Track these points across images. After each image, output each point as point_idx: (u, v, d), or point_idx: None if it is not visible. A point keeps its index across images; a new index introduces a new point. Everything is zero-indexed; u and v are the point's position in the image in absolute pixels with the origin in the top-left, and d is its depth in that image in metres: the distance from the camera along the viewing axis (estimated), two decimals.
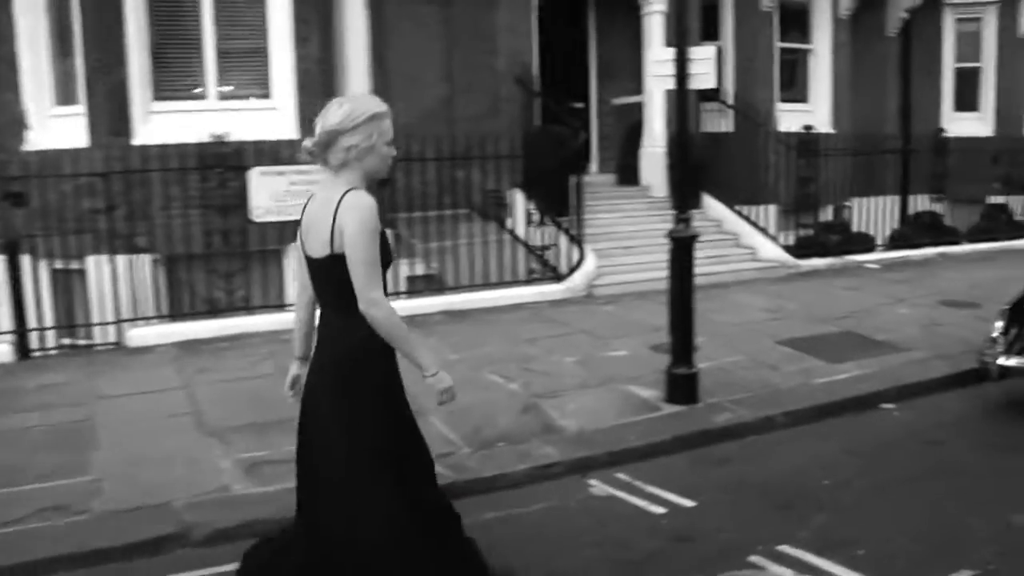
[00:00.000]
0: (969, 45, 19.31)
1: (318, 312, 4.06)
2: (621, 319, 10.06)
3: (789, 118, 15.21)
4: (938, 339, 9.41)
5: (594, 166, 15.40)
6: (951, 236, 15.89)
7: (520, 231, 11.92)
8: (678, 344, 7.13)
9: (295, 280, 4.53)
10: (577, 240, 11.58)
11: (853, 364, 8.46)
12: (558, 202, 11.59)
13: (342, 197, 3.69)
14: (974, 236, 16.25)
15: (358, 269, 3.65)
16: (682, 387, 7.18)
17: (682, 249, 7.11)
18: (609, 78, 15.62)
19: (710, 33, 15.47)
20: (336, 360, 3.85)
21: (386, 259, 3.78)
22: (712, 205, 13.85)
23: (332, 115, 3.74)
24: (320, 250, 3.76)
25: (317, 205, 3.82)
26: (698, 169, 12.25)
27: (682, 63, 6.80)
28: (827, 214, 15.33)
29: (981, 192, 17.60)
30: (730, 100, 15.03)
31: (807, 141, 14.05)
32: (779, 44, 15.97)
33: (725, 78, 15.49)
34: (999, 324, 7.55)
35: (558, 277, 11.37)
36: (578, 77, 15.39)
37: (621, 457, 6.42)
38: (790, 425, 7.18)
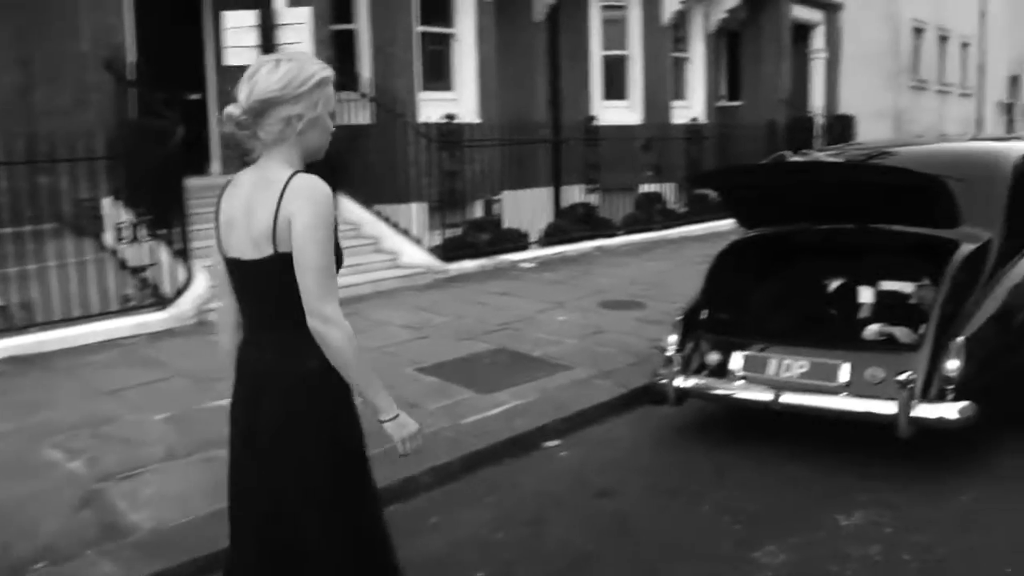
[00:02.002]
0: (616, 33, 19.00)
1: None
2: None
3: (434, 108, 13.88)
4: (602, 351, 8.33)
5: (216, 166, 13.40)
6: (607, 228, 15.18)
7: (120, 248, 9.84)
8: None
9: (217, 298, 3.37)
10: (184, 256, 9.65)
11: (509, 393, 7.16)
12: (167, 210, 9.67)
13: (289, 180, 2.93)
14: (630, 227, 15.66)
15: (310, 276, 2.89)
16: None
17: None
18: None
19: (343, 15, 13.98)
20: (284, 397, 3.07)
21: (338, 263, 3.03)
22: (349, 206, 12.23)
23: (267, 78, 2.97)
24: (254, 249, 2.98)
25: (245, 191, 3.03)
26: (332, 166, 10.66)
27: (268, 30, 5.19)
28: (478, 210, 14.20)
29: (634, 181, 17.13)
30: (368, 89, 13.51)
31: (450, 132, 12.80)
32: (420, 28, 14.64)
33: (362, 65, 14.03)
34: (673, 339, 6.46)
35: (162, 303, 9.35)
36: (196, 63, 13.36)
37: (213, 563, 4.70)
38: (437, 485, 5.73)
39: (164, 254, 9.61)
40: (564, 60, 17.78)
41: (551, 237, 14.13)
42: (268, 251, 2.95)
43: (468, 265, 12.25)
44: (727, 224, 13.81)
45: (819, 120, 23.38)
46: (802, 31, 25.03)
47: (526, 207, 14.26)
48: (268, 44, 5.25)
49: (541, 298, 10.61)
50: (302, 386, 3.06)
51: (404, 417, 3.11)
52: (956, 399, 5.49)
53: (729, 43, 23.66)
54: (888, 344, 6.13)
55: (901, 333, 6.14)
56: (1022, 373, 6.27)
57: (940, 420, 5.48)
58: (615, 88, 18.83)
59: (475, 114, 15.05)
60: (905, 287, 6.67)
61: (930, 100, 33.33)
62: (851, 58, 27.23)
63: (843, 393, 5.74)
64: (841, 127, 23.42)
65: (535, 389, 7.28)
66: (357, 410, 3.18)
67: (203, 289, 9.53)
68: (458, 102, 14.93)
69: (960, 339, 5.58)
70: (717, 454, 6.21)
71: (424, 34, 14.87)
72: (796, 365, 5.95)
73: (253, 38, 5.29)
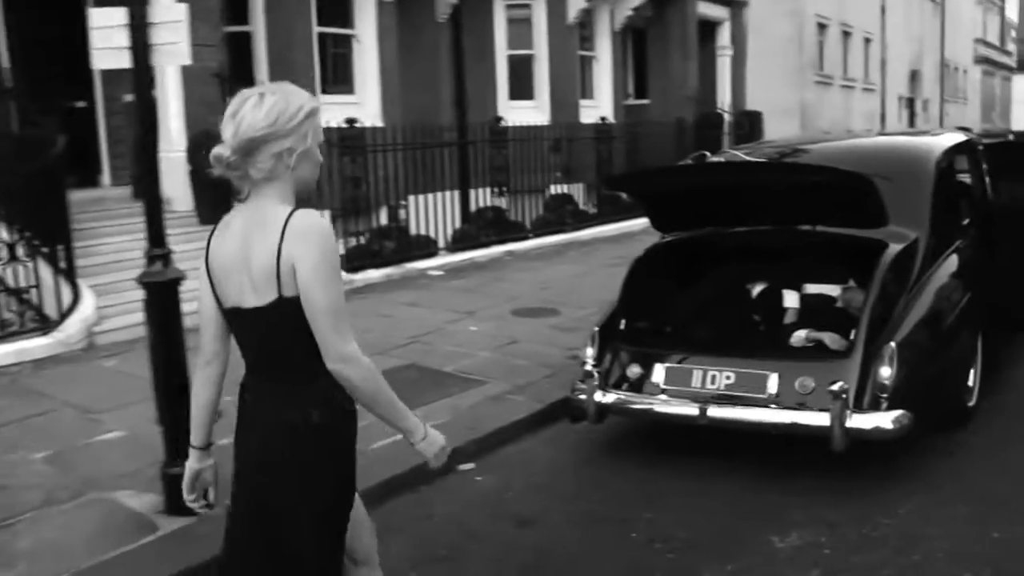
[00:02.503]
0: (521, 32, 18.57)
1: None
2: (127, 378, 7.47)
3: (335, 112, 13.29)
4: (516, 362, 7.97)
5: (106, 178, 12.72)
6: (517, 231, 14.84)
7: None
8: (171, 432, 4.99)
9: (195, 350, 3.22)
10: (70, 275, 9.01)
11: (420, 413, 6.66)
12: (50, 227, 9.04)
13: (288, 219, 2.78)
14: (541, 229, 15.35)
15: (323, 318, 2.77)
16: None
17: (160, 298, 4.95)
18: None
19: (238, 16, 13.38)
20: (283, 449, 2.93)
21: None
22: None
23: (253, 115, 2.79)
24: (255, 296, 2.83)
25: (238, 233, 2.87)
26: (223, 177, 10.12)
27: (140, 29, 4.70)
28: (384, 218, 13.72)
29: (544, 182, 16.79)
30: None
31: (351, 137, 12.29)
32: (319, 30, 14.10)
33: (259, 69, 13.46)
34: (590, 352, 6.10)
35: (45, 327, 8.66)
36: (82, 69, 12.62)
37: None
38: None
39: (47, 274, 8.93)
40: (469, 60, 17.32)
41: (460, 243, 13.72)
42: (271, 296, 2.81)
43: (374, 275, 11.78)
44: (639, 224, 13.63)
45: (727, 117, 23.32)
46: (708, 28, 24.97)
47: (433, 212, 13.81)
48: (141, 45, 4.74)
49: (451, 308, 10.21)
50: (302, 439, 2.92)
51: (432, 433, 3.05)
52: (890, 407, 5.24)
53: (635, 41, 23.51)
54: (817, 351, 5.85)
55: (830, 339, 5.86)
56: (949, 376, 6.06)
57: (876, 430, 5.22)
58: (522, 88, 18.44)
59: (378, 118, 14.54)
60: (831, 290, 6.41)
61: (835, 95, 33.65)
62: (757, 54, 27.28)
63: (773, 405, 5.43)
64: (749, 124, 23.38)
65: (448, 408, 6.88)
66: (355, 459, 3.09)
67: (91, 311, 8.90)
68: (361, 106, 14.43)
69: (892, 344, 5.32)
70: (643, 473, 5.87)
71: (323, 36, 14.34)
72: (722, 376, 5.62)
73: (124, 38, 4.77)
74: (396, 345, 8.61)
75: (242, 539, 3.08)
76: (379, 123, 14.26)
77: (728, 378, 5.59)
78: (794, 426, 5.38)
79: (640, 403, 5.85)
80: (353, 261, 11.82)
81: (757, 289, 6.65)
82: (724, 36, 25.82)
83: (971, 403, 6.39)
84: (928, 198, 6.22)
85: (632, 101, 23.00)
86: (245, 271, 2.85)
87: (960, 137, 7.48)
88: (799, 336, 5.98)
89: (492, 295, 10.91)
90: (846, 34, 34.99)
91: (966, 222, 6.98)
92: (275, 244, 2.77)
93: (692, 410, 5.59)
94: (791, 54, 30.02)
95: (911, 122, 42.62)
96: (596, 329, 6.23)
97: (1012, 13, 71.95)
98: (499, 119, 15.74)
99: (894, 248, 5.73)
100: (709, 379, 5.64)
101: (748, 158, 6.97)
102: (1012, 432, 6.36)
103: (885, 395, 5.24)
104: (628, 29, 21.97)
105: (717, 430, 5.72)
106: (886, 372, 5.25)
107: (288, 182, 2.89)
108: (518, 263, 13.27)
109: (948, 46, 49.47)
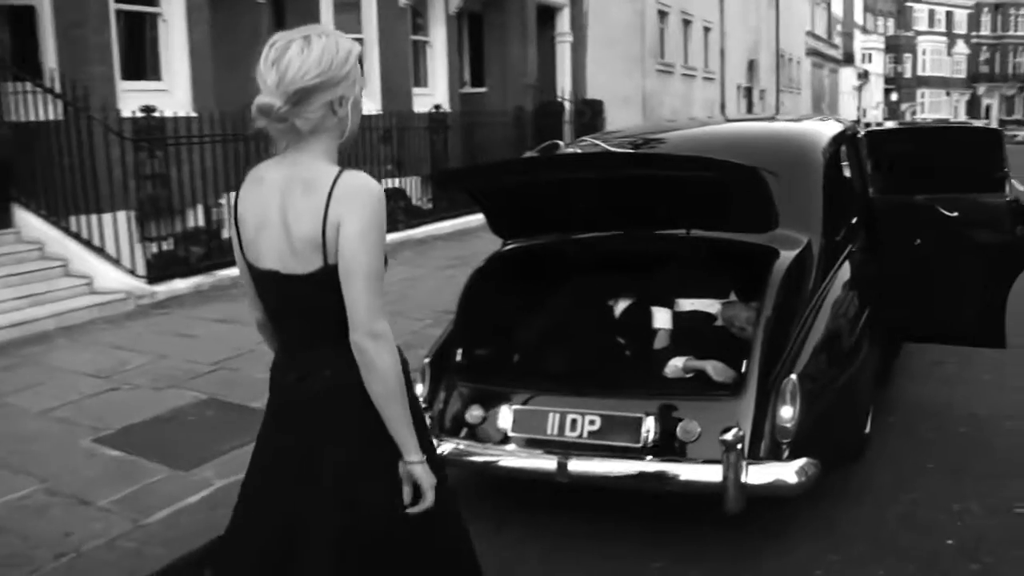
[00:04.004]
0: (349, 16, 17.21)
1: None
2: None
3: (140, 100, 11.79)
4: None
5: None
6: None
7: None
8: None
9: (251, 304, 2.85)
10: None
11: (216, 467, 5.50)
12: None
13: (336, 180, 2.53)
14: None
15: (360, 285, 2.52)
16: None
17: None
18: None
19: None
20: (341, 423, 2.68)
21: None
22: (30, 222, 10.12)
23: (303, 61, 2.53)
24: (296, 262, 2.58)
25: (276, 190, 2.62)
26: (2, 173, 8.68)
27: None
28: (200, 218, 12.20)
29: (375, 175, 15.42)
30: (54, 79, 11.29)
31: (150, 128, 10.80)
32: (117, 6, 12.42)
33: (46, 50, 11.76)
34: (420, 389, 4.91)
35: None
36: None
37: None
38: None
39: None
40: None
41: None
42: (317, 264, 2.58)
43: (180, 285, 10.38)
44: (479, 219, 12.50)
45: (568, 105, 22.55)
46: (548, 13, 24.09)
47: None
48: None
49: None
50: (339, 401, 2.68)
51: (425, 464, 2.69)
52: (793, 455, 4.23)
53: (472, 26, 22.46)
54: (700, 385, 4.77)
55: (713, 368, 4.79)
56: (853, 408, 5.12)
57: (778, 485, 4.19)
58: None
59: (189, 106, 13.03)
60: (709, 306, 5.37)
61: (676, 84, 33.26)
62: (598, 41, 26.57)
63: (649, 456, 4.35)
64: (591, 112, 22.69)
65: (246, 458, 5.59)
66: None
67: None
68: (169, 93, 12.87)
69: (793, 377, 4.31)
70: (492, 539, 4.70)
71: (123, 14, 12.70)
72: (584, 421, 4.51)
73: None
74: (197, 374, 7.32)
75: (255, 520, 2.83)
76: (191, 112, 12.75)
77: (592, 423, 4.49)
78: (676, 482, 4.31)
79: (483, 454, 4.69)
80: (156, 270, 10.39)
81: (621, 306, 5.55)
82: (564, 22, 24.99)
83: (867, 430, 5.48)
84: (819, 194, 5.26)
85: (469, 89, 21.97)
86: (283, 233, 2.61)
87: (839, 124, 6.56)
88: (675, 366, 4.91)
89: None
90: (686, 22, 34.65)
91: (854, 221, 6.06)
92: (321, 207, 2.54)
93: (548, 464, 4.45)
94: (632, 41, 29.39)
95: (749, 111, 42.86)
96: (426, 361, 5.07)
97: (838, 9, 73.79)
98: None
99: (786, 256, 4.74)
100: (569, 424, 4.53)
101: (609, 148, 5.78)
102: (911, 462, 5.57)
103: (787, 440, 4.23)
104: (464, 14, 20.92)
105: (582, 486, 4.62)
106: (787, 413, 4.23)
107: (334, 135, 2.66)
108: None
109: (783, 37, 50.04)
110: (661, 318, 5.33)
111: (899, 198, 6.39)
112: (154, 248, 10.73)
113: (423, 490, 2.66)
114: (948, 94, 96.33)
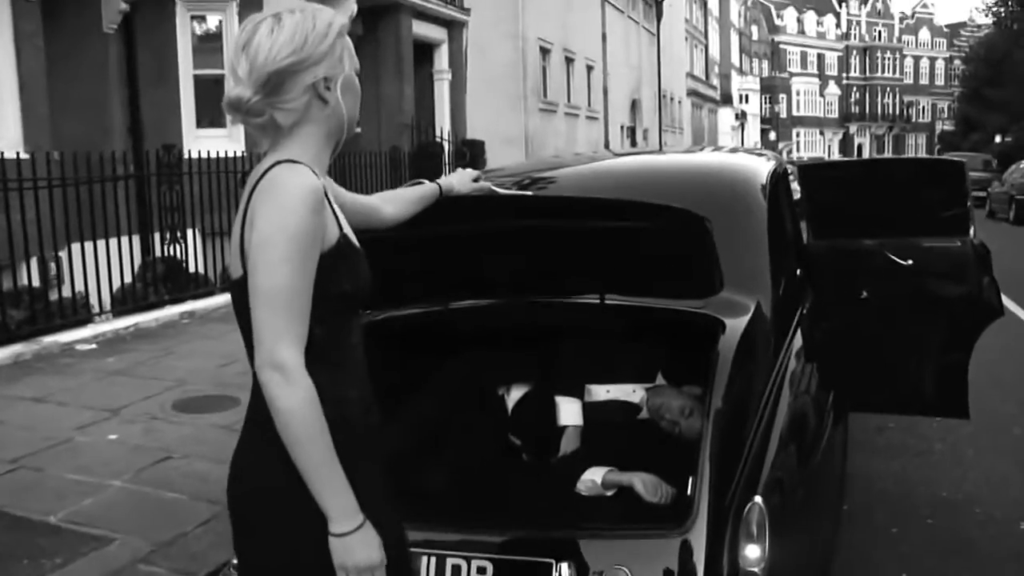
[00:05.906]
0: (210, 49, 15.91)
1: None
2: None
3: None
4: (164, 497, 5.47)
5: None
6: (200, 286, 12.07)
7: None
8: None
9: None
10: None
11: None
12: None
13: (265, 173, 2.18)
14: (228, 282, 12.59)
15: (260, 301, 2.10)
16: None
17: None
18: None
19: None
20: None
21: (353, 288, 2.27)
22: None
23: (273, 40, 2.21)
24: (234, 267, 2.26)
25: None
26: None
27: None
28: (30, 275, 10.57)
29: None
30: None
31: None
32: None
33: None
34: None
35: None
36: None
37: None
38: None
39: None
40: (146, 80, 14.78)
41: (123, 305, 10.79)
42: (240, 270, 2.18)
43: None
44: None
45: (448, 146, 21.49)
46: (426, 50, 22.99)
47: (102, 265, 10.76)
48: None
49: (92, 402, 7.45)
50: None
51: (368, 534, 2.14)
52: None
53: None
54: (627, 509, 3.51)
55: (643, 484, 3.52)
56: (822, 518, 3.96)
57: None
58: (211, 113, 15.61)
59: (19, 145, 11.49)
60: (628, 393, 4.14)
61: (560, 123, 32.53)
62: (478, 80, 25.60)
63: None
64: (472, 153, 21.71)
65: None
66: None
67: None
68: None
69: (758, 500, 3.07)
70: None
71: None
72: (471, 568, 3.21)
73: None
74: None
75: None
76: (22, 152, 11.16)
77: (482, 571, 3.20)
78: None
79: None
80: None
81: (514, 396, 4.28)
82: (443, 59, 23.91)
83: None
84: (764, 245, 4.10)
85: None
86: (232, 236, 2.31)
87: (766, 157, 5.46)
88: (591, 481, 3.62)
89: (153, 377, 8.20)
90: (569, 60, 34.00)
91: (798, 274, 4.95)
92: (244, 204, 2.20)
93: None
94: (514, 79, 28.53)
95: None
96: None
97: (715, 50, 74.77)
98: (171, 147, 12.72)
99: (735, 326, 3.51)
100: (449, 572, 3.23)
101: (503, 191, 4.30)
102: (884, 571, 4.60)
103: None
104: None
105: None
106: (753, 553, 2.99)
107: (324, 127, 2.29)
108: (198, 328, 10.55)
109: (664, 77, 50.04)
110: (568, 411, 4.07)
111: (840, 243, 5.28)
112: None
113: (347, 568, 2.13)
114: (822, 133, 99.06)
